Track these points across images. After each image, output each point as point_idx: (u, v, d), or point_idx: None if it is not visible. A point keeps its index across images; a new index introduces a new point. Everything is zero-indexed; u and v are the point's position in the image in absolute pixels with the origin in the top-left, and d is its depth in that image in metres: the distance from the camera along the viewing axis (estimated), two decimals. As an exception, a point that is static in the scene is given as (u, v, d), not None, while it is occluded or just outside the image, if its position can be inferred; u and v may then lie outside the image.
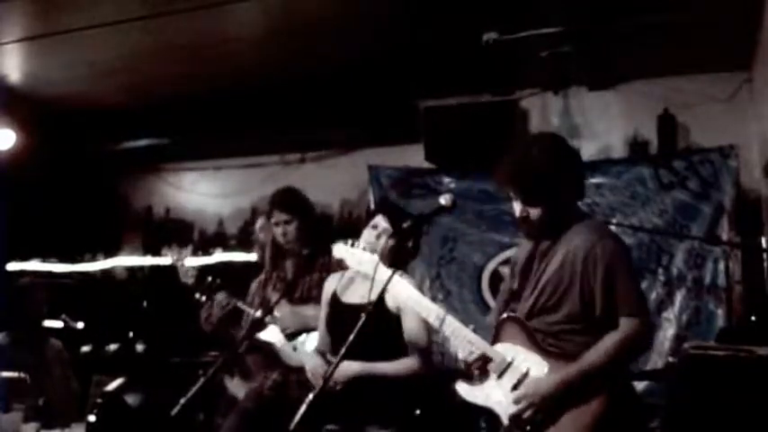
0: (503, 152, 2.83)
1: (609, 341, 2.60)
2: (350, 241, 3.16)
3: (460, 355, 2.78)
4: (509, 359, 2.72)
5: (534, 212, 2.75)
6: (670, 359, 5.01)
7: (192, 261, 4.26)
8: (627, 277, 2.66)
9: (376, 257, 3.07)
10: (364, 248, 3.13)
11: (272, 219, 3.99)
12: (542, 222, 2.76)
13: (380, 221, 3.37)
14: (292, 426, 2.52)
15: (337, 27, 5.45)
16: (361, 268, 3.09)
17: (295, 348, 3.86)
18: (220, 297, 4.08)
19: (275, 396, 3.79)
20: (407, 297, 2.93)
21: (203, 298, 4.09)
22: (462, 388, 2.82)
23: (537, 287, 2.76)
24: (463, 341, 2.76)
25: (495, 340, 2.79)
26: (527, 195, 2.75)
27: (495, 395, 2.73)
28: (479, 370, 2.75)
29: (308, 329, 3.80)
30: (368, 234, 3.36)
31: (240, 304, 4.07)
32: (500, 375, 2.72)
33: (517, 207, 2.79)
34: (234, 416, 3.84)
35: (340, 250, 3.16)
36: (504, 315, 2.82)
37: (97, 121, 7.13)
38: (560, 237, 2.76)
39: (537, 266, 2.81)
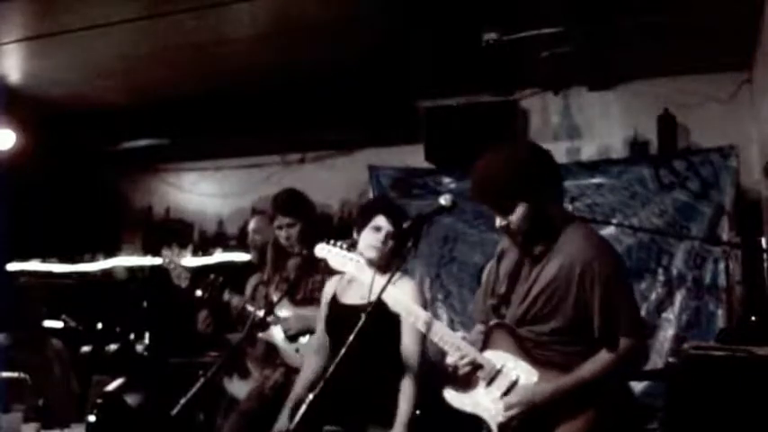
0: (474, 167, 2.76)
1: (605, 358, 2.59)
2: (332, 241, 3.11)
3: (449, 360, 2.74)
4: (498, 366, 2.69)
5: (513, 220, 2.67)
6: (670, 359, 5.00)
7: (188, 262, 4.26)
8: (625, 296, 2.64)
9: (360, 258, 3.06)
10: (350, 249, 3.07)
11: (275, 222, 3.99)
12: (525, 229, 2.68)
13: (383, 223, 3.23)
14: (292, 426, 2.52)
15: (337, 27, 5.44)
16: (344, 269, 3.07)
17: (297, 350, 3.86)
18: (236, 300, 4.10)
19: (276, 396, 3.78)
20: (394, 302, 2.89)
21: (205, 295, 4.09)
22: (450, 394, 2.78)
23: (529, 295, 2.70)
24: (451, 347, 2.74)
25: (484, 347, 2.76)
26: (496, 207, 2.70)
27: (483, 402, 2.70)
28: (468, 377, 2.72)
29: (311, 331, 3.80)
30: (370, 237, 3.21)
31: (248, 306, 4.08)
32: (489, 383, 2.70)
33: (497, 219, 2.74)
34: (235, 416, 3.84)
35: (322, 251, 3.11)
36: (493, 322, 2.79)
37: (97, 121, 7.14)
38: (553, 242, 2.70)
39: (528, 272, 2.75)
